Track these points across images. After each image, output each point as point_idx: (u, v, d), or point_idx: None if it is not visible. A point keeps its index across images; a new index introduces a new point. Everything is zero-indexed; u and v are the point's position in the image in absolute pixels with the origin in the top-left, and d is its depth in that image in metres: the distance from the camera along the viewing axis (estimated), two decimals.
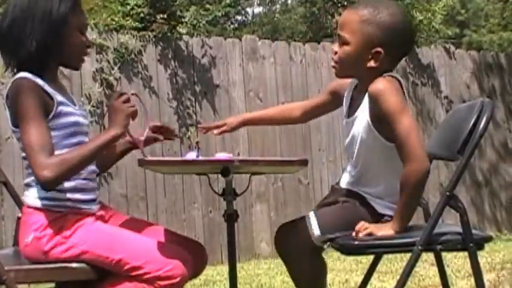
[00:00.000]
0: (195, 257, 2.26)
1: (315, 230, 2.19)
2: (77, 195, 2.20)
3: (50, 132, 2.11)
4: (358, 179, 2.25)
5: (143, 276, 2.07)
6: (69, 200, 2.18)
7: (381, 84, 2.09)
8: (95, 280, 2.13)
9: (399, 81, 2.17)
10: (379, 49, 2.14)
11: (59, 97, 2.19)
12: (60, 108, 2.18)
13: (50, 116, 2.15)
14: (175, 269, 2.07)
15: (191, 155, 2.26)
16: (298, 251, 2.22)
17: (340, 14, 8.02)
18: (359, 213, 2.20)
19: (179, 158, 2.24)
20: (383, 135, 2.15)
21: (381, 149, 2.16)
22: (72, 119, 2.22)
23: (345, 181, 2.31)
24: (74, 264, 2.11)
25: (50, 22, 2.20)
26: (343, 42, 2.18)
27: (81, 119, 2.28)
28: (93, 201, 2.27)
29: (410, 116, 2.08)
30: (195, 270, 2.30)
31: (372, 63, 2.15)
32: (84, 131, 2.29)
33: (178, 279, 2.07)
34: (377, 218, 2.20)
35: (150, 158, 2.27)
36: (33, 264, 2.13)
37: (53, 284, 2.27)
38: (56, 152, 2.10)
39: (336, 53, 2.21)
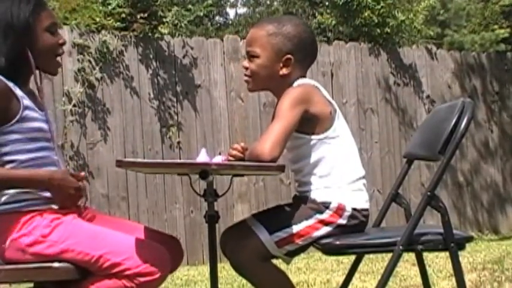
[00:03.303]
0: (171, 252, 2.26)
1: (263, 233, 2.19)
2: (46, 193, 2.20)
3: None
4: (296, 176, 2.33)
5: (123, 272, 2.06)
6: (37, 198, 2.18)
7: (287, 90, 2.24)
8: (75, 280, 2.12)
9: (312, 84, 2.30)
10: (288, 56, 2.28)
11: (26, 101, 2.19)
12: (26, 112, 2.18)
13: (15, 119, 2.15)
14: (155, 266, 2.07)
15: (203, 155, 2.24)
16: (249, 263, 2.21)
17: (321, 14, 8.06)
18: (300, 207, 2.24)
19: (156, 160, 2.22)
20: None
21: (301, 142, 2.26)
22: (36, 124, 2.21)
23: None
24: (56, 264, 2.10)
25: (14, 35, 2.18)
26: (254, 56, 2.31)
27: (44, 125, 2.26)
28: None
29: (287, 121, 2.16)
30: (173, 264, 2.30)
31: (284, 71, 2.29)
32: (47, 137, 2.27)
33: (158, 275, 2.07)
34: (319, 207, 2.22)
35: (127, 159, 2.25)
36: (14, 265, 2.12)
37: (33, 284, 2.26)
38: (19, 157, 2.15)
39: (247, 68, 2.34)
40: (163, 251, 2.14)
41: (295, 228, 2.19)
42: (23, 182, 2.15)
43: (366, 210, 2.28)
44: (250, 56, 2.32)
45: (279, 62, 2.28)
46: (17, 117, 2.15)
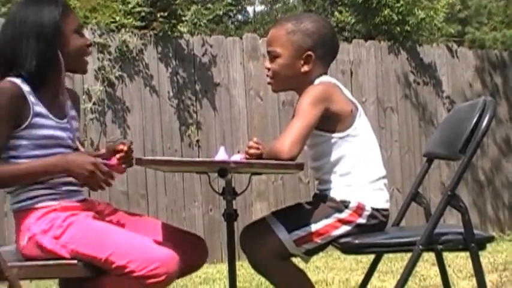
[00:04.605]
0: (195, 250, 2.27)
1: (281, 232, 2.19)
2: (62, 188, 2.22)
3: (5, 140, 2.14)
4: (316, 173, 2.32)
5: (130, 274, 2.06)
6: (50, 194, 2.20)
7: (308, 88, 2.24)
8: (93, 277, 2.14)
9: (333, 83, 2.29)
10: (309, 53, 2.28)
11: (38, 108, 2.20)
12: (36, 119, 2.19)
13: (23, 125, 2.17)
14: (161, 267, 2.06)
15: (221, 153, 2.24)
16: (268, 262, 2.21)
17: (340, 12, 8.03)
18: (319, 205, 2.23)
19: (175, 159, 2.23)
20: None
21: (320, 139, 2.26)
22: (45, 132, 2.22)
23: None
24: (74, 261, 2.12)
25: (46, 38, 2.20)
26: (275, 56, 2.31)
27: (59, 133, 2.26)
28: (78, 192, 2.30)
29: (307, 119, 2.16)
30: (195, 263, 2.32)
31: (305, 68, 2.30)
32: (64, 144, 2.28)
33: (163, 277, 2.06)
34: (339, 205, 2.21)
35: (147, 157, 2.27)
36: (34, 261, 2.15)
37: (53, 281, 2.28)
38: (24, 161, 2.16)
39: (269, 69, 2.34)
40: (170, 251, 2.11)
41: (314, 227, 2.18)
42: (39, 173, 2.16)
43: (386, 210, 2.26)
44: (272, 57, 2.32)
45: (299, 60, 2.28)
46: (26, 123, 2.17)
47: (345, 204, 2.20)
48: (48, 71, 2.22)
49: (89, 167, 2.14)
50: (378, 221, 2.23)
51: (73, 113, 2.38)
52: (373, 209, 2.21)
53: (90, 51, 2.35)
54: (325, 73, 2.34)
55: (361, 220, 2.20)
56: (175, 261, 2.10)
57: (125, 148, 2.26)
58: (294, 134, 2.11)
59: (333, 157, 2.24)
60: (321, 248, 2.25)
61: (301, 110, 2.18)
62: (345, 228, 2.19)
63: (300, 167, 2.05)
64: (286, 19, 2.38)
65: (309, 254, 2.27)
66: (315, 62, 2.29)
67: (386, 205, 2.26)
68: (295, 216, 2.26)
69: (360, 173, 2.23)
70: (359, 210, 2.20)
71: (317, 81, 2.29)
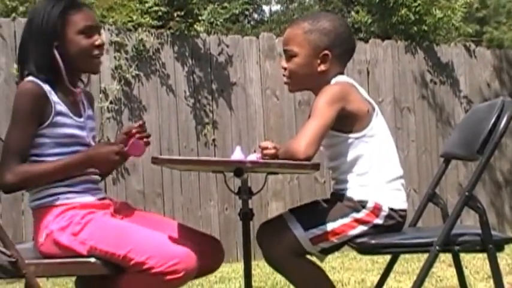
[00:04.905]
0: (212, 252, 2.27)
1: (297, 229, 2.19)
2: (81, 186, 2.25)
3: (31, 140, 2.18)
4: (333, 173, 2.33)
5: (149, 270, 2.07)
6: (71, 192, 2.22)
7: (324, 88, 2.23)
8: (110, 275, 2.15)
9: (350, 82, 2.28)
10: (326, 52, 2.27)
11: (59, 107, 2.23)
12: (58, 118, 2.22)
13: (45, 124, 2.20)
14: (180, 264, 2.07)
15: (238, 153, 2.25)
16: (283, 259, 2.21)
17: (357, 12, 8.00)
18: (336, 204, 2.23)
19: (191, 158, 2.23)
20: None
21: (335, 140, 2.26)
22: (66, 130, 2.24)
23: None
24: (92, 259, 2.13)
25: (43, 40, 2.22)
26: (292, 56, 2.31)
27: (78, 132, 2.29)
28: (97, 190, 2.31)
29: (323, 119, 2.15)
30: (212, 265, 2.32)
31: (322, 67, 2.28)
32: (82, 142, 2.30)
33: (182, 273, 2.07)
34: (356, 205, 2.20)
35: (163, 156, 2.28)
36: (51, 259, 2.16)
37: (69, 278, 2.29)
38: (46, 159, 2.20)
39: (285, 69, 2.33)
40: (190, 248, 2.13)
41: (331, 226, 2.18)
42: (65, 172, 2.20)
43: (403, 210, 2.25)
44: (288, 56, 2.32)
45: (316, 59, 2.28)
46: (48, 122, 2.20)
47: (362, 204, 2.19)
48: (48, 71, 2.23)
49: (114, 157, 2.20)
50: (395, 221, 2.22)
51: (90, 112, 2.40)
52: (390, 209, 2.20)
53: (99, 51, 2.31)
54: (342, 73, 2.33)
55: (378, 220, 2.19)
56: (194, 259, 2.11)
57: (137, 124, 2.29)
58: (310, 134, 2.11)
59: (350, 157, 2.23)
60: (337, 247, 2.25)
61: (317, 109, 2.18)
62: (361, 228, 2.19)
63: (316, 167, 2.05)
64: (303, 18, 2.38)
65: (325, 252, 2.27)
66: (332, 61, 2.29)
67: (403, 205, 2.25)
68: (312, 214, 2.26)
69: (377, 173, 2.22)
70: (376, 210, 2.19)
71: (333, 80, 2.28)
